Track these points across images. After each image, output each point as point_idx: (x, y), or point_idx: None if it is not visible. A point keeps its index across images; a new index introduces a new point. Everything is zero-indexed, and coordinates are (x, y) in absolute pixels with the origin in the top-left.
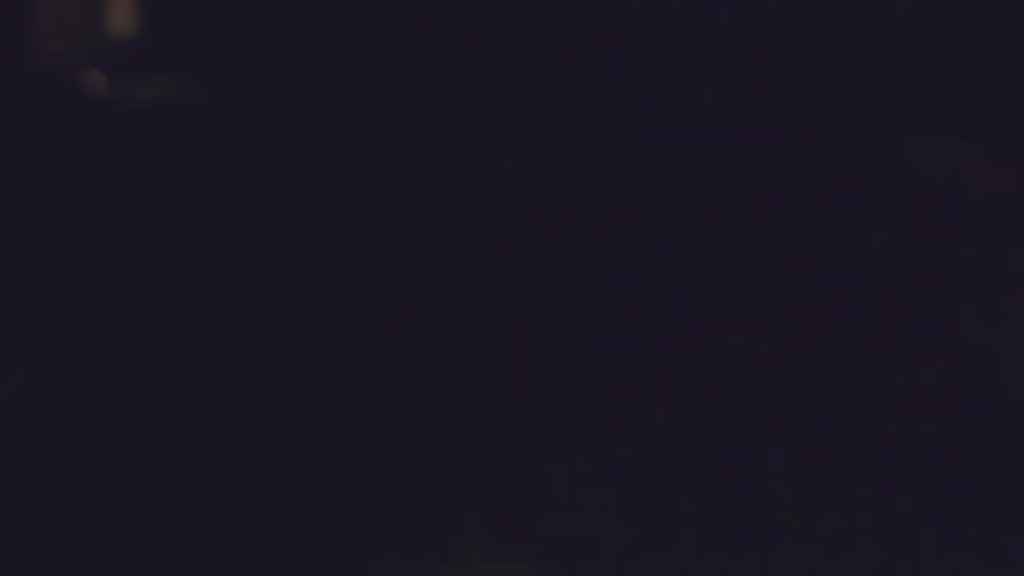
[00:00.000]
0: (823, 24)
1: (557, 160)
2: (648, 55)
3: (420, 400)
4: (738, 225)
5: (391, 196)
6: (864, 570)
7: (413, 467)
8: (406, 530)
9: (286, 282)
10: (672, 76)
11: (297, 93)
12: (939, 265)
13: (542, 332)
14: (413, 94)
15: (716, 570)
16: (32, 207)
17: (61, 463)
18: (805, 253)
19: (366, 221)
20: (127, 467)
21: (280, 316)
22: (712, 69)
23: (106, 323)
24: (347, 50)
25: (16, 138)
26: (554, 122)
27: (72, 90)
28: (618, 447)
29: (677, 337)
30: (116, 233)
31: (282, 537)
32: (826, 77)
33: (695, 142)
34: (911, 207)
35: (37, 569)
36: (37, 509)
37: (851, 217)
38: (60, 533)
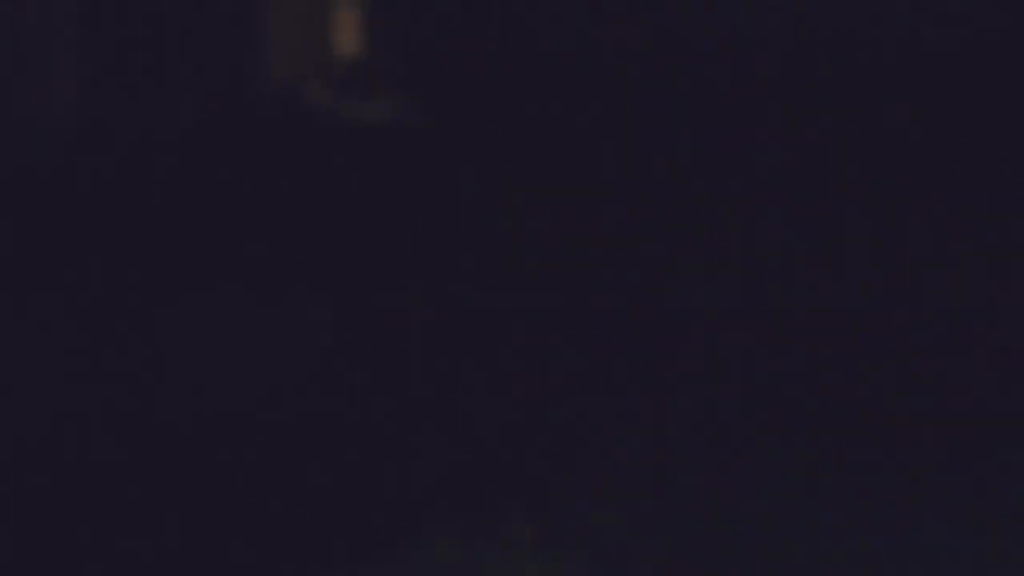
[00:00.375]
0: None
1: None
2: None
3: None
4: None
5: (641, 220)
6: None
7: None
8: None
9: (517, 309)
10: (864, 96)
11: (521, 114)
12: None
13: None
14: (656, 118)
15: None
16: (259, 222)
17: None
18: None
19: (599, 239)
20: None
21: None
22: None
23: (331, 331)
24: (571, 72)
25: (243, 156)
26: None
27: (298, 109)
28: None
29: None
30: (340, 250)
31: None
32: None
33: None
34: None
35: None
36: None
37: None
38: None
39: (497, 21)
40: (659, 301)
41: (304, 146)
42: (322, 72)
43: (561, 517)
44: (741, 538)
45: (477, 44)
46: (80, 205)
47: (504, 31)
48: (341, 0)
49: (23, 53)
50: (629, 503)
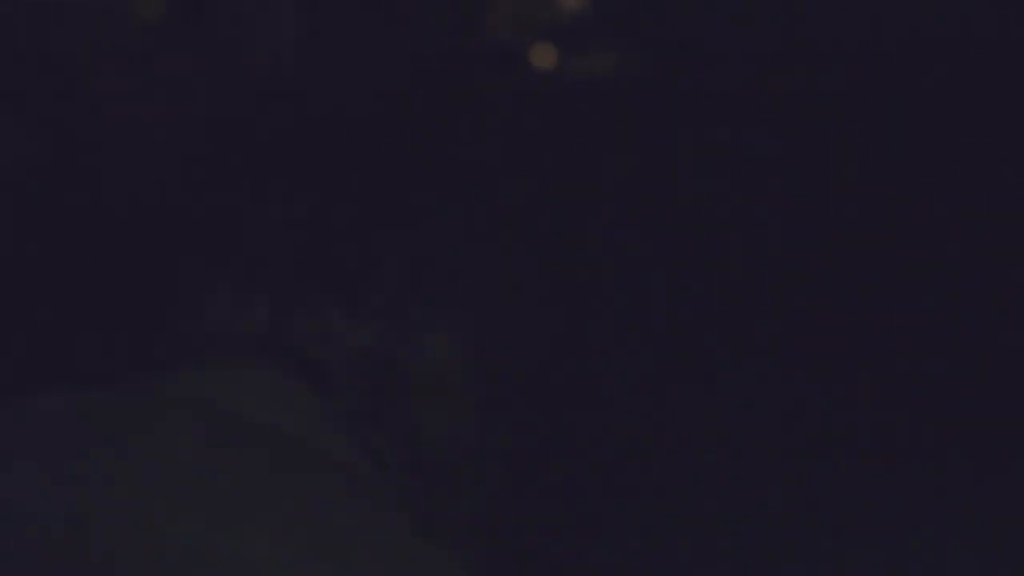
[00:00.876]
0: None
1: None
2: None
3: None
4: None
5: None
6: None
7: None
8: None
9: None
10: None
11: (756, 72)
12: None
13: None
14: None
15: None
16: (481, 183)
17: None
18: None
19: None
20: None
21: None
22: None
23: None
24: (813, 26)
25: (467, 114)
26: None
27: (522, 64)
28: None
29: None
30: (564, 211)
31: None
32: None
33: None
34: None
35: None
36: None
37: None
38: None
39: None
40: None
41: (525, 101)
42: (543, 27)
43: None
44: None
45: None
46: (296, 151)
47: None
48: None
49: (240, 7)
50: None
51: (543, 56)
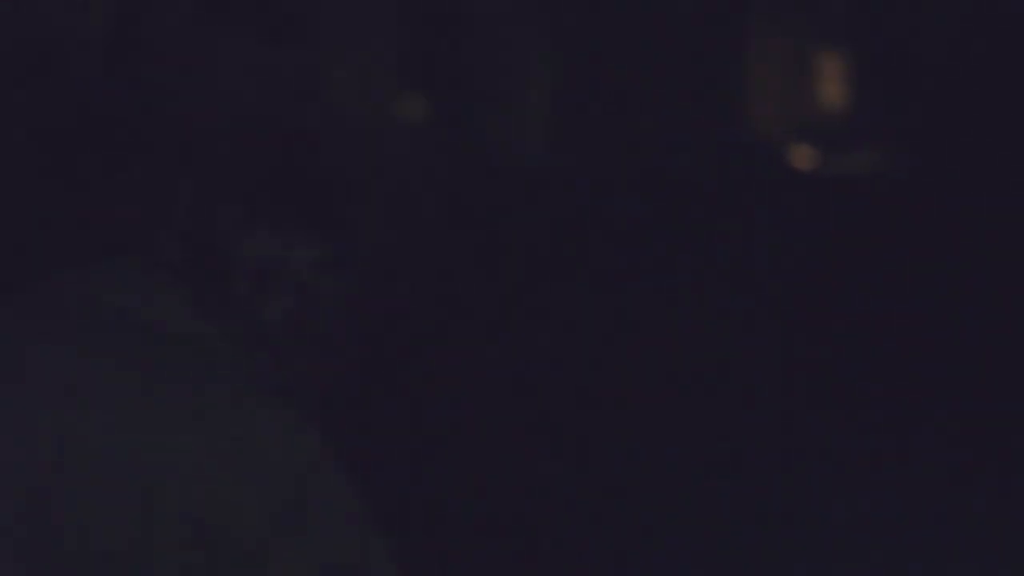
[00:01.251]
0: None
1: None
2: None
3: None
4: None
5: None
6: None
7: None
8: None
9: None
10: None
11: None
12: None
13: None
14: None
15: None
16: (745, 281)
17: None
18: None
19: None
20: None
21: None
22: None
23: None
24: None
25: (725, 211)
26: None
27: (781, 163)
28: None
29: None
30: (825, 309)
31: None
32: None
33: None
34: None
35: None
36: None
37: None
38: None
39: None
40: None
41: (787, 202)
42: (803, 126)
43: None
44: None
45: (975, 88)
46: (542, 240)
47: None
48: (822, 55)
49: (499, 102)
50: None
51: (803, 155)
